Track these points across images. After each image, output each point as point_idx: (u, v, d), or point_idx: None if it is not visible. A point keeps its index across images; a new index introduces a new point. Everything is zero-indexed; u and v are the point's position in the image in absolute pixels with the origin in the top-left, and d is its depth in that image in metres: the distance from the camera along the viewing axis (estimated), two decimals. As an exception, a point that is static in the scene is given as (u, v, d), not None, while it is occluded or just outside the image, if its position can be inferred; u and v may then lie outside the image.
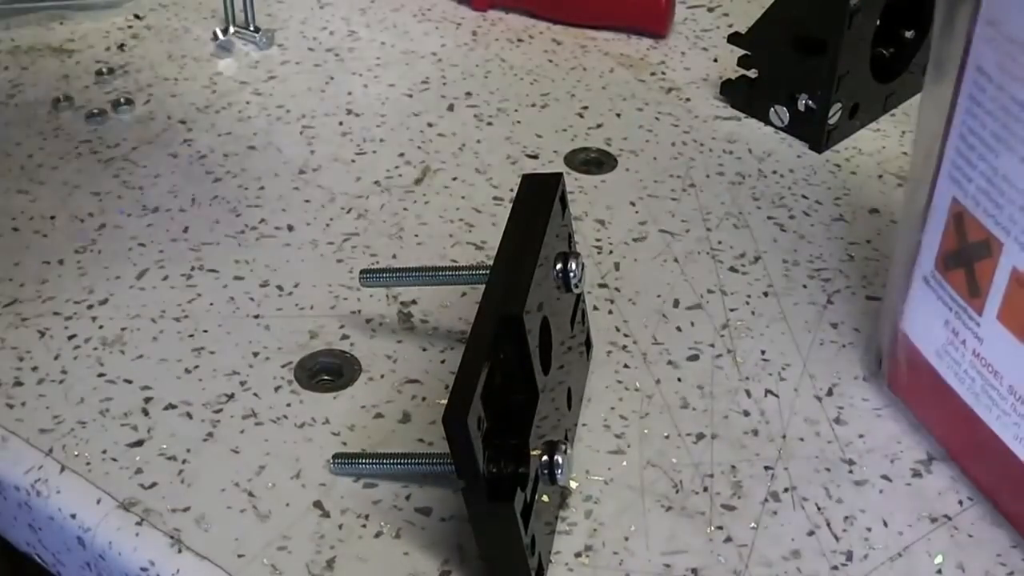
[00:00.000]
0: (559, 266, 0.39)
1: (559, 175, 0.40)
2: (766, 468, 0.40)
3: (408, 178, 0.54)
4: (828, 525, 0.39)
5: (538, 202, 0.39)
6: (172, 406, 0.42)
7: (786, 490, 0.40)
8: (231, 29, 0.65)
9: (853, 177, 0.55)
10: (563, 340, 0.39)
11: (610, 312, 0.47)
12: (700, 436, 0.42)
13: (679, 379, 0.44)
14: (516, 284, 0.36)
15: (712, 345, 0.45)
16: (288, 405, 0.42)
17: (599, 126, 0.58)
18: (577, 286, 0.39)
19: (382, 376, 0.43)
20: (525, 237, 0.37)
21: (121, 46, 0.64)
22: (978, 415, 0.38)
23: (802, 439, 0.42)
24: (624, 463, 0.40)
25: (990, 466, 0.39)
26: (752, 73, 0.59)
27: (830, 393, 0.43)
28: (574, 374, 0.41)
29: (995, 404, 0.37)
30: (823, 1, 0.53)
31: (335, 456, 0.39)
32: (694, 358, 0.45)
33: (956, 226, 0.37)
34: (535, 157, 0.56)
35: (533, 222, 0.38)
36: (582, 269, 0.39)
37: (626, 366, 0.44)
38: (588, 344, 0.44)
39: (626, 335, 0.46)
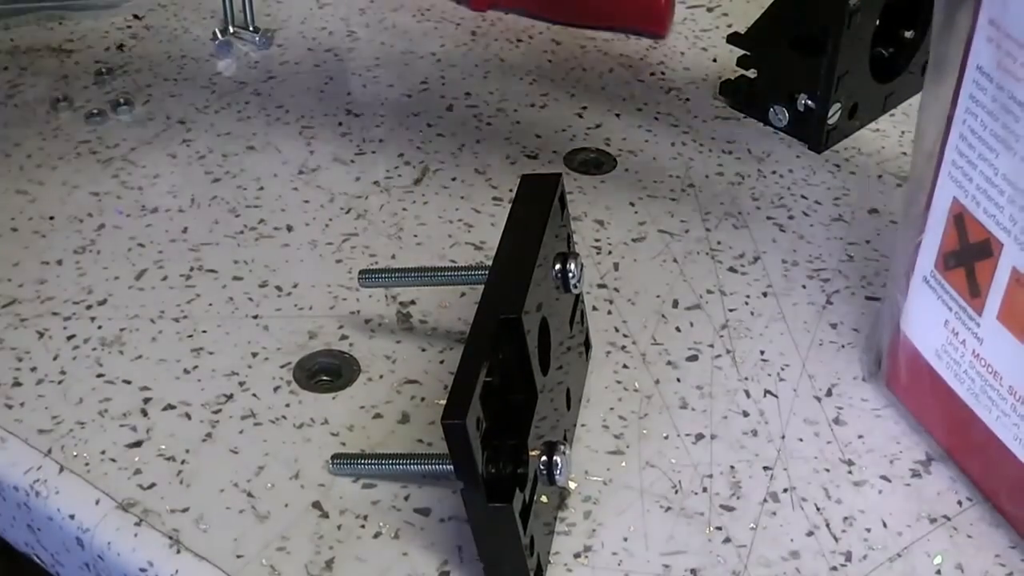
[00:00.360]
0: (558, 266, 0.39)
1: (558, 175, 0.40)
2: (765, 468, 0.40)
3: (407, 178, 0.54)
4: (827, 526, 0.39)
5: (537, 203, 0.39)
6: (171, 406, 0.42)
7: (785, 491, 0.40)
8: (230, 29, 0.65)
9: (852, 177, 0.55)
10: (562, 340, 0.39)
11: (609, 312, 0.47)
12: (699, 436, 0.41)
13: (678, 379, 0.44)
14: (515, 285, 0.36)
15: (711, 345, 0.45)
16: (287, 405, 0.42)
17: (598, 126, 0.58)
18: (576, 287, 0.39)
19: (381, 376, 0.43)
20: (524, 238, 0.37)
21: (120, 46, 0.64)
22: (978, 415, 0.38)
23: (801, 439, 0.42)
24: (623, 464, 0.40)
25: (989, 467, 0.39)
26: (751, 73, 0.59)
27: (829, 393, 0.43)
28: (573, 374, 0.41)
29: (995, 404, 0.37)
30: (823, 1, 0.53)
31: (334, 456, 0.39)
32: (693, 358, 0.45)
33: (956, 226, 0.37)
34: (534, 157, 0.56)
35: (532, 223, 0.38)
36: (581, 269, 0.39)
37: (625, 366, 0.44)
38: (587, 345, 0.44)
39: (625, 335, 0.46)
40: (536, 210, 0.38)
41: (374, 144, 0.57)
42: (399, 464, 0.39)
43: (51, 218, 0.51)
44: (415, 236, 0.50)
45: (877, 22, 0.55)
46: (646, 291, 0.48)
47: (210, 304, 0.46)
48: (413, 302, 0.47)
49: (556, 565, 0.37)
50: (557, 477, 0.35)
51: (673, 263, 0.49)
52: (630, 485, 0.40)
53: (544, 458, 0.35)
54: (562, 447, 0.35)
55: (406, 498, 0.39)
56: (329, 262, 0.49)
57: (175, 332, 0.45)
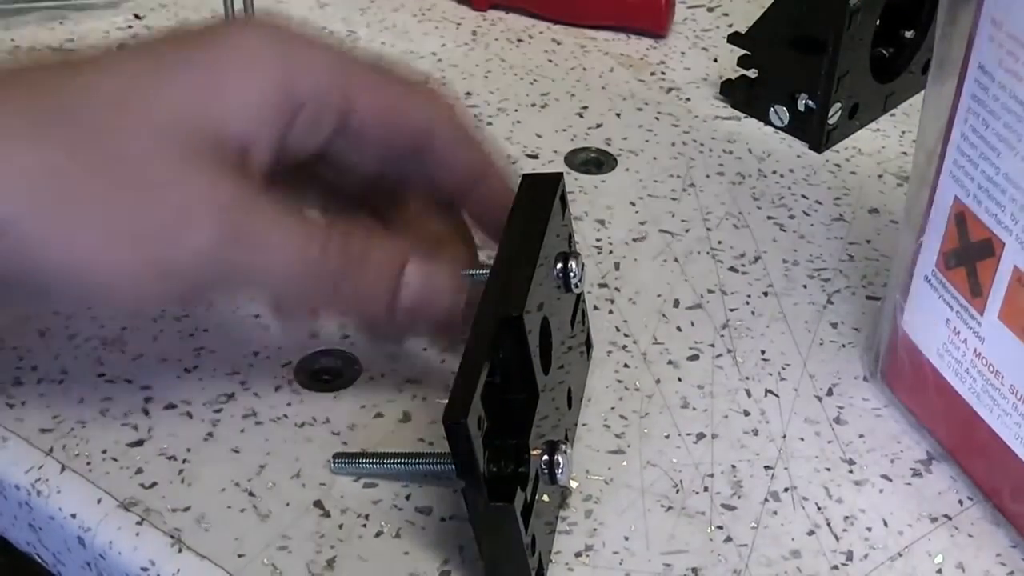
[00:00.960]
0: (559, 266, 0.39)
1: (559, 175, 0.40)
2: (766, 468, 0.40)
3: (408, 178, 0.54)
4: (828, 525, 0.39)
5: (538, 202, 0.39)
6: (172, 406, 0.42)
7: (786, 490, 0.40)
8: (231, 29, 0.65)
9: (853, 177, 0.55)
10: (563, 340, 0.39)
11: (610, 312, 0.47)
12: (700, 436, 0.41)
13: (679, 379, 0.44)
14: (516, 284, 0.36)
15: (712, 345, 0.45)
16: (288, 405, 0.42)
17: (599, 126, 0.58)
18: (577, 286, 0.39)
19: (382, 375, 0.43)
20: (525, 237, 0.37)
21: (121, 46, 0.64)
22: (979, 415, 0.38)
23: (802, 439, 0.42)
24: (624, 463, 0.40)
25: (991, 466, 0.39)
26: (752, 73, 0.59)
27: (830, 393, 0.43)
28: (574, 374, 0.41)
29: (996, 404, 0.37)
30: (823, 1, 0.53)
31: (335, 455, 0.39)
32: (694, 358, 0.45)
33: (958, 225, 0.37)
34: (535, 157, 0.56)
35: (533, 222, 0.38)
36: (582, 269, 0.39)
37: (626, 366, 0.44)
38: (588, 344, 0.44)
39: (626, 335, 0.46)
40: (537, 209, 0.38)
41: (375, 144, 0.57)
42: (400, 463, 0.39)
43: (52, 217, 0.51)
44: (416, 236, 0.50)
45: (877, 22, 0.55)
46: (647, 290, 0.48)
47: (211, 303, 0.46)
48: (414, 301, 0.47)
49: (557, 564, 0.37)
50: (558, 476, 0.35)
51: (674, 263, 0.49)
52: (631, 484, 0.40)
53: (545, 457, 0.35)
54: (563, 446, 0.35)
55: (407, 497, 0.39)
56: (330, 261, 0.49)
57: (176, 331, 0.45)
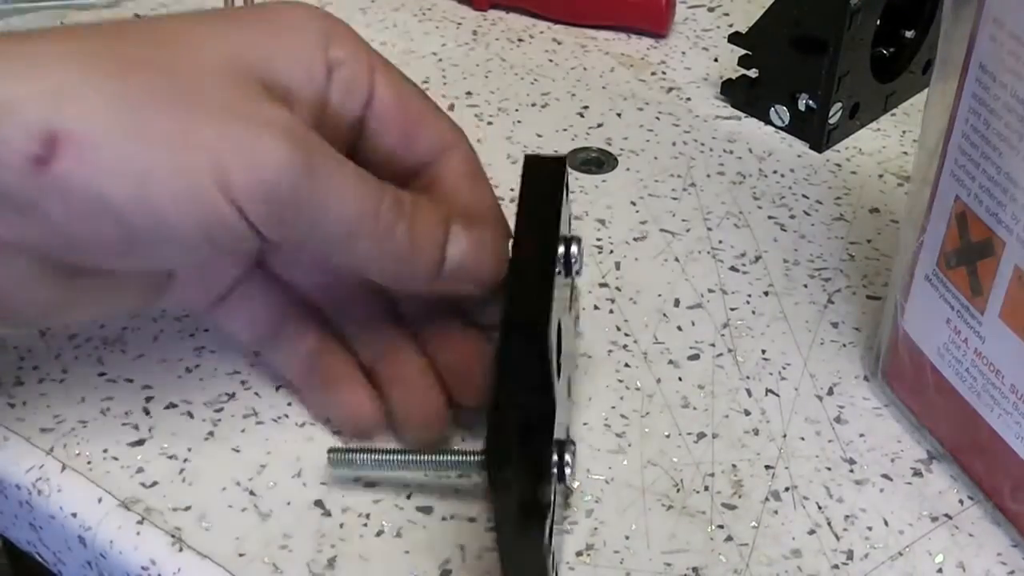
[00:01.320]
0: (561, 250, 0.38)
1: (562, 159, 0.38)
2: (767, 467, 0.40)
3: (409, 177, 0.54)
4: (829, 524, 0.39)
5: (548, 196, 0.37)
6: (173, 405, 0.42)
7: (787, 489, 0.40)
8: (231, 28, 0.65)
9: (853, 177, 0.55)
10: (564, 332, 0.39)
11: (611, 311, 0.47)
12: (701, 435, 0.42)
13: (680, 378, 0.44)
14: (539, 298, 0.34)
15: (713, 344, 0.45)
16: (289, 404, 0.42)
17: (599, 126, 0.58)
18: (579, 272, 0.38)
19: (383, 375, 0.43)
20: (540, 236, 0.36)
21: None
22: (980, 414, 0.38)
23: (803, 438, 0.42)
24: (625, 462, 0.40)
25: (991, 465, 0.39)
26: (752, 73, 0.59)
27: (831, 392, 0.43)
28: (569, 357, 0.39)
29: (997, 403, 0.37)
30: (823, 1, 0.54)
31: (330, 450, 0.39)
32: (695, 357, 0.45)
33: (959, 225, 0.37)
34: (535, 156, 0.56)
35: (547, 222, 0.36)
36: (582, 253, 0.38)
37: (627, 365, 0.44)
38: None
39: (627, 334, 0.46)
40: (547, 203, 0.37)
41: (375, 143, 0.57)
42: (398, 459, 0.38)
43: (52, 217, 0.51)
44: (416, 235, 0.50)
45: (878, 22, 0.56)
46: (648, 290, 0.48)
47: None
48: (415, 301, 0.47)
49: (559, 563, 0.37)
50: (567, 476, 0.35)
51: (675, 262, 0.49)
52: (632, 484, 0.40)
53: (555, 458, 0.35)
54: (571, 446, 0.35)
55: (408, 496, 0.39)
56: (331, 261, 0.49)
57: (177, 331, 0.45)
